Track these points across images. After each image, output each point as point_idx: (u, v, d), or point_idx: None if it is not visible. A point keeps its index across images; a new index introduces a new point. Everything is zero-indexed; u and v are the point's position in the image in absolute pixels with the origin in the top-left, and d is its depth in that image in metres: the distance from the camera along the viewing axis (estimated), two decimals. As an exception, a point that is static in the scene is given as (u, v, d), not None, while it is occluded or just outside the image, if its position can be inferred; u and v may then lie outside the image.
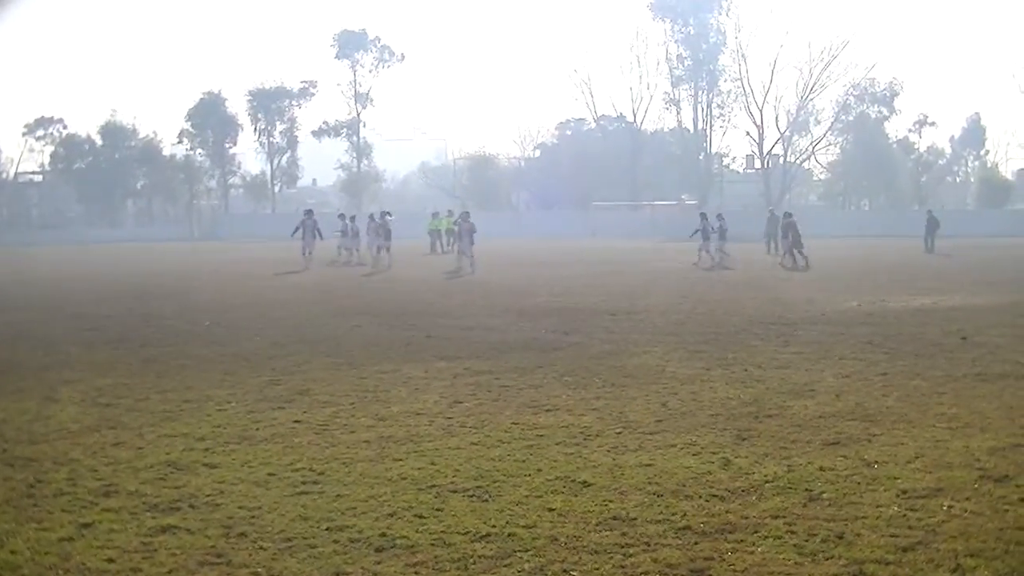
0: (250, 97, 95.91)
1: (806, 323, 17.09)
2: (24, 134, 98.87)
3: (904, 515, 6.41)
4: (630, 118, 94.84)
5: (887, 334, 15.56)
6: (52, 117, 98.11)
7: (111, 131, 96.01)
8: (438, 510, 6.68)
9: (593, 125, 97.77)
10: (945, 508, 6.53)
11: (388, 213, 40.14)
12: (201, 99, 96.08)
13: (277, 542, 6.10)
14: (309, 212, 39.18)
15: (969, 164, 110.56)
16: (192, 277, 32.28)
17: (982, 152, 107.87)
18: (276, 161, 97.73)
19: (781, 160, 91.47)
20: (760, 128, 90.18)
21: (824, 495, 6.89)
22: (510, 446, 8.47)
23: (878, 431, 8.80)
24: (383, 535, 6.18)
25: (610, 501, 6.84)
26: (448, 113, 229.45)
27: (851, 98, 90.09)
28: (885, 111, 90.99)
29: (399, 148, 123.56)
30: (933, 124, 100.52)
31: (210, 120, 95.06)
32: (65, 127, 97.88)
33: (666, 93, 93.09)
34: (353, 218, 42.01)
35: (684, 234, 40.34)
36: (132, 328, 17.78)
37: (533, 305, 20.85)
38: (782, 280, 27.51)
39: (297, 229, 37.59)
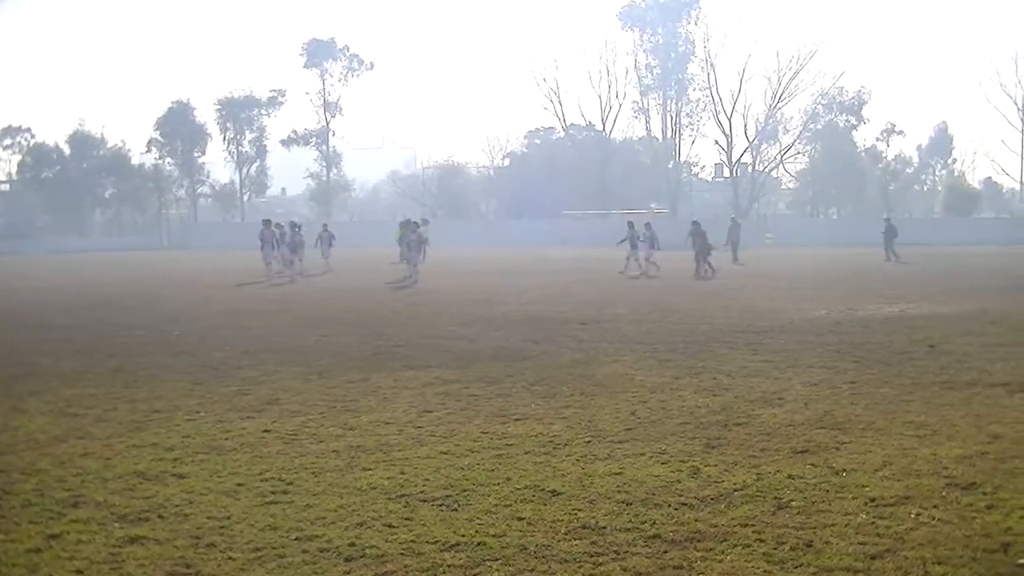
0: (219, 106, 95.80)
1: (775, 332, 17.17)
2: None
3: (872, 523, 6.45)
4: (599, 127, 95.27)
5: (855, 342, 15.66)
6: (19, 126, 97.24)
7: (79, 140, 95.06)
8: (407, 519, 6.67)
9: (562, 134, 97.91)
10: (913, 516, 6.57)
11: (297, 225, 40.04)
12: (170, 108, 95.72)
13: (246, 552, 6.08)
14: (267, 222, 38.53)
15: (936, 173, 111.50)
16: (161, 287, 32.06)
17: (949, 161, 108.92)
18: (245, 170, 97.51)
19: (750, 169, 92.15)
20: (729, 137, 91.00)
21: (793, 503, 6.93)
22: (479, 455, 8.46)
23: (846, 439, 8.85)
24: (352, 545, 6.16)
25: (579, 510, 6.84)
26: (417, 121, 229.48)
27: (819, 107, 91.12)
28: (853, 120, 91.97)
29: (368, 157, 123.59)
30: (901, 133, 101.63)
31: (179, 129, 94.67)
32: (33, 136, 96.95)
33: (635, 102, 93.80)
34: (298, 228, 41.32)
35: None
36: (100, 338, 17.65)
37: (502, 314, 20.84)
38: (750, 289, 27.60)
39: (264, 243, 37.08)
